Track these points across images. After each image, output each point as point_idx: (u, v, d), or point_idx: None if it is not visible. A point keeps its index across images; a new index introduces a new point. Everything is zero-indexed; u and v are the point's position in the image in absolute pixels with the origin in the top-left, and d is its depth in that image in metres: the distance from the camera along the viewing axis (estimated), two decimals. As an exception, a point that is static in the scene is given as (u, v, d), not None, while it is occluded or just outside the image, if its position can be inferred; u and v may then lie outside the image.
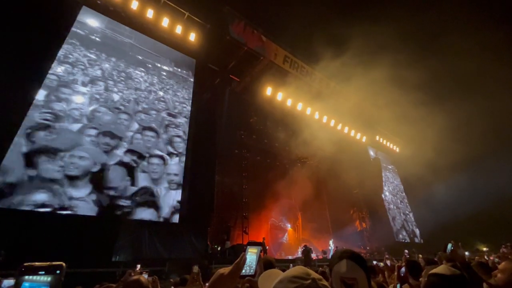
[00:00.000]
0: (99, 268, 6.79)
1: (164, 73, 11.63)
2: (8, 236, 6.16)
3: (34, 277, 0.75)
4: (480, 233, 19.59)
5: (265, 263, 2.31)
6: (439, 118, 19.18)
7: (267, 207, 16.92)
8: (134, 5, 10.59)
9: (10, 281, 1.22)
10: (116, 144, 8.88)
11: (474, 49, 19.09)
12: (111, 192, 8.26)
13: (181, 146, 10.63)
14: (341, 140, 18.10)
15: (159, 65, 11.57)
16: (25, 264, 0.76)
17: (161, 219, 9.06)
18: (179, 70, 12.17)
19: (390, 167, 23.70)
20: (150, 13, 10.97)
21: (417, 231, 22.10)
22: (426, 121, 19.56)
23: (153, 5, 11.08)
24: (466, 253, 10.99)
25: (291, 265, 8.78)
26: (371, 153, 22.60)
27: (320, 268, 4.91)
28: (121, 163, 8.75)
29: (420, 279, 2.71)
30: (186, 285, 3.11)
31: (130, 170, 8.88)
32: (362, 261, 1.12)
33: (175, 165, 10.16)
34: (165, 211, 9.25)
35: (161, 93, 11.04)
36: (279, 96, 15.18)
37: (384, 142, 23.73)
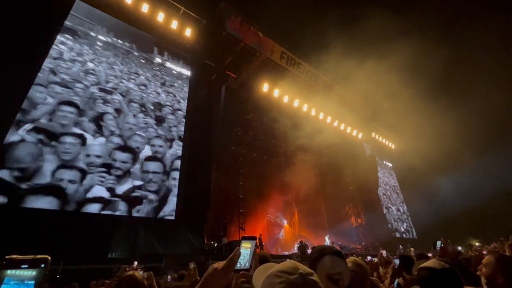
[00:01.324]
0: (95, 265, 6.77)
1: (100, 43, 10.20)
2: None
3: (17, 272, 0.72)
4: (473, 228, 19.92)
5: (260, 259, 2.32)
6: (436, 115, 19.30)
7: (264, 204, 16.98)
8: (129, 0, 10.45)
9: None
10: (19, 119, 7.52)
11: (479, 43, 19.00)
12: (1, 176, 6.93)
13: (113, 124, 9.30)
14: (337, 136, 18.17)
15: (93, 34, 10.09)
16: (6, 257, 0.73)
17: (69, 208, 7.55)
18: (119, 41, 10.75)
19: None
20: (145, 8, 10.83)
21: (400, 225, 22.06)
22: (423, 118, 19.68)
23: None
24: (459, 248, 11.17)
25: (287, 260, 8.85)
26: (367, 149, 22.72)
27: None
28: (21, 142, 7.38)
29: (415, 273, 2.76)
30: (183, 281, 3.13)
31: (32, 150, 7.49)
32: (342, 254, 1.16)
33: (99, 146, 8.69)
34: (74, 199, 7.73)
35: (90, 65, 9.56)
36: (276, 93, 15.16)
37: (380, 138, 23.90)
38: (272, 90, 15.03)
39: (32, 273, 0.73)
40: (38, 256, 0.76)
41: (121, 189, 8.72)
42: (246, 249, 1.02)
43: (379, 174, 23.17)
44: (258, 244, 12.82)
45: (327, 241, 16.17)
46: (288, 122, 16.04)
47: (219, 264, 0.91)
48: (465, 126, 19.11)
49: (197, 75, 12.91)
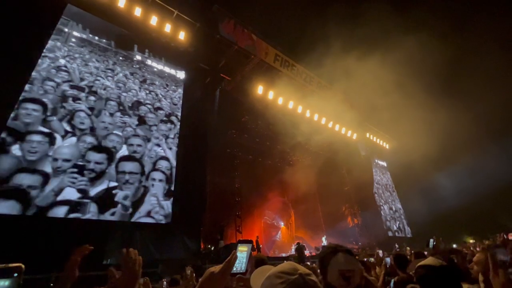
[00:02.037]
0: (89, 271, 6.65)
1: (74, 40, 9.67)
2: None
3: None
4: (469, 226, 20.18)
5: (257, 261, 2.32)
6: (431, 114, 19.52)
7: (260, 206, 16.98)
8: (122, 3, 10.40)
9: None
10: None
11: (480, 43, 19.08)
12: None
13: (85, 122, 8.77)
14: (332, 137, 18.30)
15: (66, 30, 9.57)
16: None
17: (30, 213, 7.04)
18: (96, 38, 10.33)
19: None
20: (138, 11, 10.79)
21: (393, 224, 22.16)
22: (418, 118, 19.86)
23: (141, 3, 10.90)
24: (454, 245, 11.30)
25: (284, 262, 8.86)
26: (361, 149, 22.90)
27: (314, 264, 4.95)
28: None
29: (411, 272, 2.78)
30: (179, 285, 3.10)
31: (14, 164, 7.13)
32: (354, 254, 1.19)
33: (69, 148, 8.10)
34: (41, 203, 7.20)
35: (62, 62, 9.10)
36: (270, 95, 15.22)
37: (374, 139, 24.14)
38: (267, 92, 15.09)
39: (4, 283, 0.67)
40: (11, 265, 0.69)
41: (95, 190, 8.23)
42: (242, 253, 1.02)
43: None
44: (255, 246, 12.78)
45: (324, 242, 16.20)
46: (283, 123, 16.10)
47: (215, 268, 0.91)
48: (461, 124, 19.34)
49: (191, 78, 12.87)
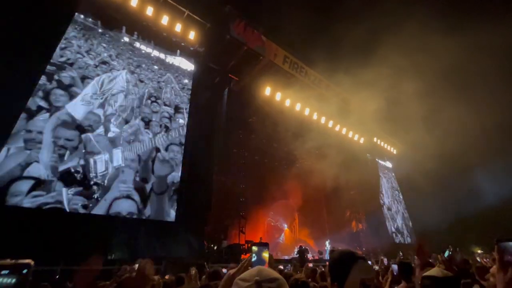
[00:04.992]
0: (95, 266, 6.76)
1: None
2: None
3: None
4: (475, 235, 19.68)
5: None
6: (439, 118, 19.03)
7: (265, 207, 16.97)
8: (134, 2, 10.55)
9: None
10: None
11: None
12: None
13: (62, 100, 8.58)
14: (339, 141, 18.15)
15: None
16: None
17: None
18: (81, 16, 9.88)
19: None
20: (149, 11, 10.93)
21: (396, 230, 21.74)
22: (425, 122, 19.39)
23: (152, 2, 11.03)
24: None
25: (288, 265, 8.86)
26: (368, 153, 22.66)
27: (318, 269, 4.92)
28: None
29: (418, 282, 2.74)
30: (184, 285, 3.14)
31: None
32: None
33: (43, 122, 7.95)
34: None
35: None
36: (278, 96, 15.21)
37: (382, 143, 23.86)
38: (275, 94, 15.08)
39: (12, 280, 0.65)
40: (20, 261, 0.68)
41: (62, 167, 7.97)
42: (260, 255, 1.05)
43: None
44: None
45: (328, 246, 16.08)
46: (290, 126, 16.05)
47: (232, 270, 0.95)
48: (470, 131, 18.62)
49: (200, 78, 12.96)
